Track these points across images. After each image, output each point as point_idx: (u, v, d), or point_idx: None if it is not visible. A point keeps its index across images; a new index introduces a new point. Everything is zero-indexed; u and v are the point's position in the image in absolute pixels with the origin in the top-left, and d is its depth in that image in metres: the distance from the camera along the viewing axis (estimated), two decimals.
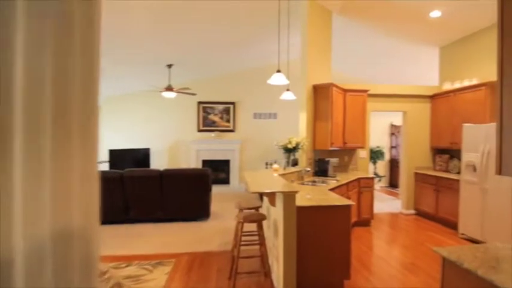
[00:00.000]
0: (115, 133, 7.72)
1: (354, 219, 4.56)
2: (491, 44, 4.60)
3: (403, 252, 3.71)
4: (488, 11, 4.25)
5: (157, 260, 3.41)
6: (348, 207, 2.71)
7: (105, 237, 4.05)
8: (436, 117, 5.39)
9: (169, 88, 6.14)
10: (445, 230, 4.58)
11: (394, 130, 8.88)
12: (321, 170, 4.61)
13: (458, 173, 4.88)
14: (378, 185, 8.54)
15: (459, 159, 4.94)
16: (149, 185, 4.85)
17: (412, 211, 5.56)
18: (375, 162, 8.49)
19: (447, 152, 5.41)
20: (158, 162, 7.87)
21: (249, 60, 7.10)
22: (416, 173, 5.51)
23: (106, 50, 3.16)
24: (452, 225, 4.59)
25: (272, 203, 2.81)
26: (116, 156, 7.57)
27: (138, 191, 4.82)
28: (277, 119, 8.17)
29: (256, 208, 3.18)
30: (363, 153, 5.43)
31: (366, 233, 4.45)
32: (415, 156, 5.56)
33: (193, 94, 6.55)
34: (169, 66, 6.14)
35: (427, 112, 5.58)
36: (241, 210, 3.10)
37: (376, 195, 7.54)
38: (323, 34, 4.84)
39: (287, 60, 4.34)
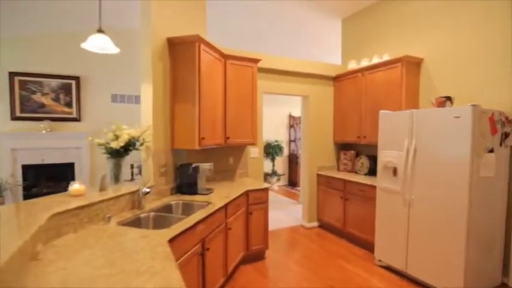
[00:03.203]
0: None
1: (240, 253, 2.94)
2: (402, 13, 3.67)
3: None
4: None
5: None
6: None
7: None
8: (341, 104, 4.31)
9: None
10: (357, 252, 3.47)
11: (293, 122, 7.92)
12: (186, 183, 2.76)
13: (368, 174, 3.87)
14: (276, 185, 7.41)
15: (367, 156, 3.94)
16: None
17: (315, 223, 4.39)
18: (273, 159, 7.30)
19: (352, 148, 4.42)
20: None
21: (94, 16, 4.60)
22: (319, 175, 4.33)
23: None
24: (366, 245, 3.52)
25: None
26: None
27: None
28: None
29: None
30: (255, 152, 3.88)
31: (257, 278, 2.87)
32: (318, 154, 4.38)
33: None
34: None
35: (330, 98, 4.46)
36: None
37: (273, 198, 6.37)
38: None
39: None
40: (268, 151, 7.19)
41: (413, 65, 3.42)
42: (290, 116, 7.98)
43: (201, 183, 2.83)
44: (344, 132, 4.24)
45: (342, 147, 4.52)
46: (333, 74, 4.35)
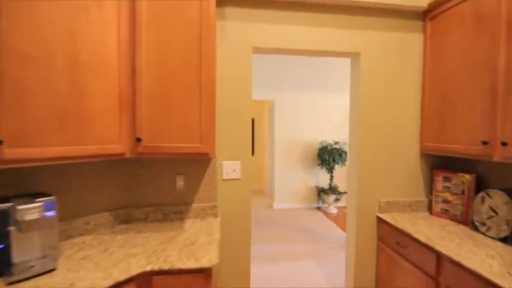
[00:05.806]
0: None
1: None
2: None
3: None
4: None
5: None
6: None
7: None
8: (440, 70, 1.94)
9: None
10: None
11: None
12: None
13: (506, 239, 1.46)
14: (334, 206, 5.17)
15: (506, 190, 1.51)
16: None
17: None
18: (331, 169, 5.07)
19: (466, 167, 2.00)
20: None
21: None
22: (381, 221, 2.09)
23: None
24: None
25: None
26: None
27: None
28: None
29: None
30: (232, 169, 1.96)
31: None
32: (383, 175, 2.12)
33: None
34: None
35: (413, 57, 2.12)
36: None
37: (320, 230, 3.73)
38: None
39: None
40: (324, 158, 5.01)
41: None
42: None
43: (31, 248, 1.18)
44: (445, 131, 1.87)
45: (440, 163, 2.13)
46: (422, 3, 2.01)
